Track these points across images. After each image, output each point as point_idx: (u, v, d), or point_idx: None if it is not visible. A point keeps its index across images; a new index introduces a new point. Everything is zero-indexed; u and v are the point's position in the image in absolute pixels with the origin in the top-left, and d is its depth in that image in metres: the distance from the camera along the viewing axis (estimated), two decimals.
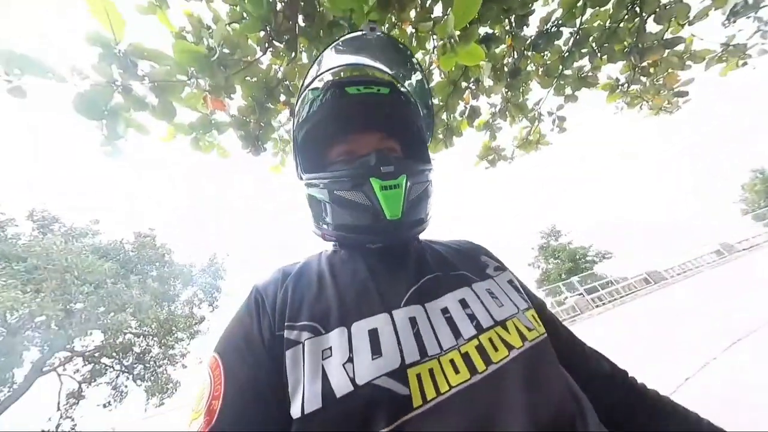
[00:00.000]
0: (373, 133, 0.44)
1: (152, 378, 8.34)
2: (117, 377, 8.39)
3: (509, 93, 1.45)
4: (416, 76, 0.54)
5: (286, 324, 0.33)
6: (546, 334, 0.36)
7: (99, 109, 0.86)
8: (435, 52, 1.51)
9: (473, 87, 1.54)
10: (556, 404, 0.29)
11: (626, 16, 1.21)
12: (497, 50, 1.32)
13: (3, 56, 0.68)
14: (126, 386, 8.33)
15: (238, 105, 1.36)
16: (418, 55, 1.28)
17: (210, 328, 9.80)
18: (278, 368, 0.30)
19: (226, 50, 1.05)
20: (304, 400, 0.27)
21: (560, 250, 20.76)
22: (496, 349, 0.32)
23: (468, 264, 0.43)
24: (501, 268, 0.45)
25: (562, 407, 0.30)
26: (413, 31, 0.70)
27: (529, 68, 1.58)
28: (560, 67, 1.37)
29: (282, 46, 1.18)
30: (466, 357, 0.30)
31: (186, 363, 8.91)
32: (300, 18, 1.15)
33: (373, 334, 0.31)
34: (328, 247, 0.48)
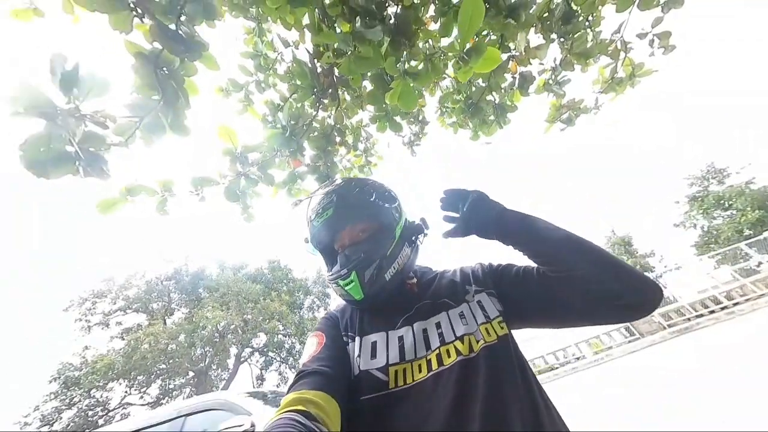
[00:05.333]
0: (344, 230, 0.62)
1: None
2: (279, 366, 11.42)
3: (569, 42, 1.22)
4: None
5: (342, 333, 0.57)
6: (494, 342, 0.47)
7: (236, 194, 1.31)
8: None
9: (517, 53, 1.37)
10: (485, 397, 0.41)
11: None
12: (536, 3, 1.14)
13: (193, 181, 1.17)
14: (286, 373, 11.26)
15: (309, 155, 1.72)
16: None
17: None
18: (344, 346, 0.54)
19: (293, 122, 1.38)
20: (353, 369, 0.50)
21: (733, 196, 13.84)
22: (449, 356, 0.46)
23: (452, 293, 0.57)
24: (479, 290, 0.57)
25: (492, 402, 0.40)
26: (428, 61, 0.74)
27: None
28: None
29: (327, 100, 1.43)
30: (428, 362, 0.47)
31: None
32: (335, 71, 1.36)
33: (373, 345, 0.51)
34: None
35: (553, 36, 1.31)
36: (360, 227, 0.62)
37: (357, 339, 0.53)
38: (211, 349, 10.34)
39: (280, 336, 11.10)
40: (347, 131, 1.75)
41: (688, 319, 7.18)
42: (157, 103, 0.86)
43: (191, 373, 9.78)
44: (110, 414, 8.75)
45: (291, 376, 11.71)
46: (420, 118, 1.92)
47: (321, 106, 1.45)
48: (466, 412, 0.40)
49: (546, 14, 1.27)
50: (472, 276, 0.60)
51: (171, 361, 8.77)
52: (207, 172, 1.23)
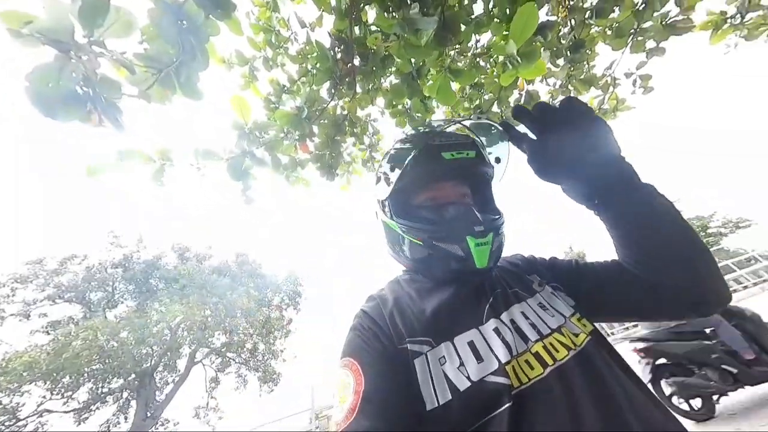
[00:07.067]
0: (454, 184, 0.54)
1: (262, 369, 10.29)
2: (239, 368, 10.62)
3: (572, 68, 1.34)
4: (498, 136, 0.61)
5: (407, 339, 0.41)
6: (591, 335, 0.43)
7: (239, 172, 1.21)
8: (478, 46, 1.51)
9: None
10: (622, 390, 0.36)
11: None
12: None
13: (195, 152, 1.06)
14: (246, 375, 10.51)
15: (315, 143, 1.66)
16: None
17: (297, 328, 11.48)
18: (403, 368, 0.39)
19: (307, 105, 1.33)
20: (437, 394, 0.36)
21: None
22: (557, 350, 0.39)
23: (519, 282, 0.51)
24: (543, 281, 0.51)
25: (631, 395, 0.36)
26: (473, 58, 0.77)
27: (593, 31, 1.42)
28: (635, 22, 1.21)
29: (344, 88, 1.40)
30: (536, 355, 0.39)
31: (285, 358, 10.68)
32: (356, 60, 1.34)
33: (472, 345, 0.40)
34: (398, 271, 0.60)
35: (560, 62, 1.44)
36: (488, 190, 0.57)
37: (444, 344, 0.40)
38: (159, 348, 9.27)
39: (242, 335, 10.35)
40: (357, 123, 1.72)
41: (626, 328, 8.23)
42: (171, 58, 0.77)
43: (133, 375, 8.65)
44: (21, 423, 7.36)
45: (251, 378, 11.04)
46: (427, 121, 1.97)
47: (336, 93, 1.41)
48: (612, 407, 0.34)
49: (556, 40, 1.39)
50: (527, 266, 0.55)
51: (109, 360, 7.66)
52: (209, 146, 1.12)
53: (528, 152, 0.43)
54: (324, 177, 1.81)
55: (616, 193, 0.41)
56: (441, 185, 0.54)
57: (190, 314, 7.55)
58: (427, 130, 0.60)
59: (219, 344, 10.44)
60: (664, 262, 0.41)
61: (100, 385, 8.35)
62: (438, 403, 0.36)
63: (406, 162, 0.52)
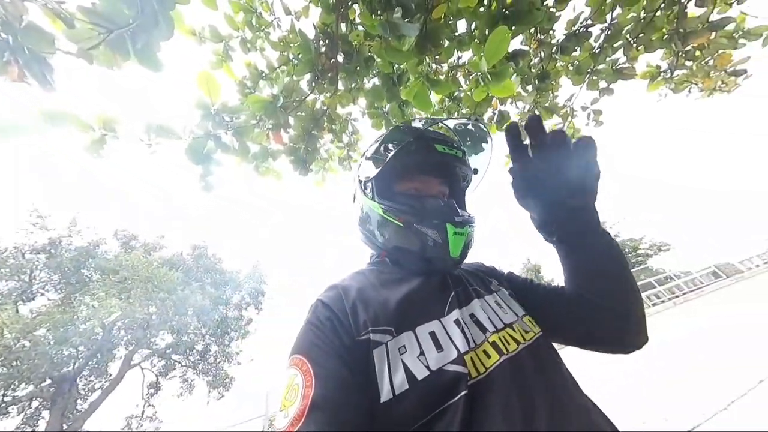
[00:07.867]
0: (437, 179, 0.57)
1: (213, 373, 9.43)
2: (185, 372, 9.61)
3: (538, 95, 1.47)
4: (486, 149, 0.66)
5: (370, 329, 0.39)
6: (540, 333, 0.47)
7: (200, 155, 1.11)
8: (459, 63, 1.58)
9: None
10: (560, 385, 0.40)
11: (663, 4, 1.18)
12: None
13: (146, 127, 0.94)
14: (193, 380, 9.52)
15: (290, 135, 1.59)
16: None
17: (257, 329, 10.76)
18: (360, 364, 0.37)
19: (285, 94, 1.27)
20: (393, 385, 0.35)
21: None
22: (509, 343, 0.42)
23: (479, 281, 0.55)
24: (501, 285, 0.56)
25: (564, 386, 0.40)
26: (448, 70, 0.81)
27: (558, 65, 1.58)
28: (592, 63, 1.36)
29: (325, 83, 1.37)
30: (493, 344, 0.41)
31: (240, 360, 9.91)
32: (340, 57, 1.32)
33: (433, 335, 0.40)
34: (364, 261, 0.62)
35: (529, 88, 1.57)
36: (462, 194, 0.62)
37: (406, 333, 0.40)
38: (86, 349, 8.00)
39: (192, 335, 9.39)
40: (337, 120, 1.69)
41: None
42: (126, 20, 0.69)
43: (48, 380, 7.33)
44: None
45: (199, 383, 10.02)
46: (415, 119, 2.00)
47: (317, 86, 1.37)
48: (559, 397, 0.38)
49: (527, 68, 1.52)
50: (487, 271, 0.60)
51: (17, 362, 6.38)
52: (166, 121, 1.01)
53: (519, 170, 0.43)
54: (297, 171, 1.74)
55: (579, 238, 0.45)
56: (427, 178, 0.56)
57: (130, 311, 6.63)
58: (421, 124, 0.63)
59: (163, 345, 9.34)
60: (602, 304, 0.46)
61: (2, 393, 6.94)
62: (394, 394, 0.34)
63: (401, 145, 0.54)
